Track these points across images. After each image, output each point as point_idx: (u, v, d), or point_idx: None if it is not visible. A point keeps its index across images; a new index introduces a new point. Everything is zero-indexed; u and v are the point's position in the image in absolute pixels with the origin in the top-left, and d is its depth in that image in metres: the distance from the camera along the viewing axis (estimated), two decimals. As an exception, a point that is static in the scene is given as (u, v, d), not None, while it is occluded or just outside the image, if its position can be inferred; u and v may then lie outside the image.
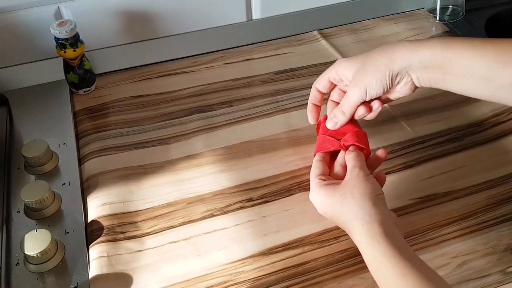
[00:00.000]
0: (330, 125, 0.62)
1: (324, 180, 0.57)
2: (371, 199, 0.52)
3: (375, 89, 0.58)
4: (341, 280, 0.57)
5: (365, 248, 0.50)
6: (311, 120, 0.66)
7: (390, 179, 0.67)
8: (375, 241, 0.49)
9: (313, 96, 0.66)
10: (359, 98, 0.59)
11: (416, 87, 0.59)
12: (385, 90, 0.58)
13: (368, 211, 0.51)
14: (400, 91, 0.59)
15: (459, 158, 0.70)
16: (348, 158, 0.58)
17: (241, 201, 0.65)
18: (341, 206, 0.53)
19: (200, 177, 0.68)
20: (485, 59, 0.52)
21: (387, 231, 0.50)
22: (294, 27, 0.94)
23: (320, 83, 0.64)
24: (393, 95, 0.61)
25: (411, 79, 0.57)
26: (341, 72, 0.61)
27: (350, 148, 0.60)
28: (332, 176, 0.59)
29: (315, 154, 0.62)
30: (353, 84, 0.59)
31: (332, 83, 0.64)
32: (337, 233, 0.61)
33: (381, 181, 0.57)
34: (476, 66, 0.53)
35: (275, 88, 0.82)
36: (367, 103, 0.61)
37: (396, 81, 0.58)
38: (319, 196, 0.56)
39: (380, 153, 0.60)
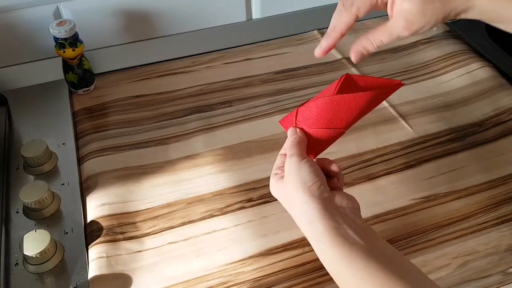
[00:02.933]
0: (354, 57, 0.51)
1: (277, 174, 0.51)
2: (307, 194, 0.46)
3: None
4: (342, 280, 0.57)
5: (315, 248, 0.45)
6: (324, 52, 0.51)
7: (390, 179, 0.67)
8: (320, 242, 0.44)
9: (347, 24, 0.50)
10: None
11: None
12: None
13: (304, 208, 0.45)
14: None
15: (460, 158, 0.70)
16: (285, 146, 0.51)
17: (241, 202, 0.65)
18: (288, 200, 0.48)
19: (200, 177, 0.68)
20: None
21: (331, 226, 0.44)
22: (294, 27, 0.94)
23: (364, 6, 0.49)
24: None
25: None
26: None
27: (290, 132, 0.52)
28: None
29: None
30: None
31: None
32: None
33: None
34: None
35: (275, 88, 0.82)
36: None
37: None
38: (274, 192, 0.51)
39: (334, 167, 0.51)
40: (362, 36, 0.50)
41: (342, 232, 0.43)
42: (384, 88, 0.51)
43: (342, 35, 0.50)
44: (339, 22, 0.49)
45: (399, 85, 0.52)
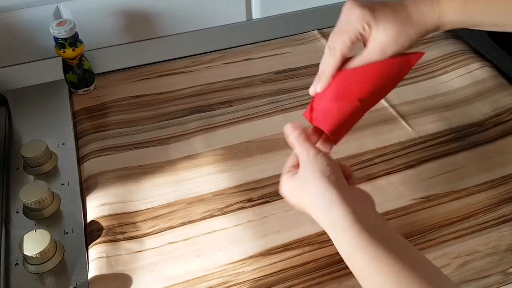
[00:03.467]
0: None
1: (290, 171, 0.51)
2: (325, 182, 0.46)
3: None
4: (341, 281, 0.57)
5: (332, 235, 0.46)
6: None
7: (390, 179, 0.67)
8: (338, 228, 0.45)
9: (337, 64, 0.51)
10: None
11: None
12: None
13: (323, 194, 0.46)
14: None
15: (460, 158, 0.70)
16: (293, 145, 0.51)
17: (241, 202, 0.65)
18: (301, 193, 0.49)
19: (200, 177, 0.68)
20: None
21: (349, 212, 0.45)
22: (294, 27, 0.94)
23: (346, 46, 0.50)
24: None
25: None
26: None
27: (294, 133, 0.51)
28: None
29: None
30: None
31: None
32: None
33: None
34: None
35: (275, 88, 0.82)
36: None
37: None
38: (285, 189, 0.51)
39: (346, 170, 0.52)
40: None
41: (360, 217, 0.44)
42: (399, 59, 0.50)
43: (333, 77, 0.51)
44: (327, 66, 0.51)
45: (419, 55, 0.51)
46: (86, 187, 0.67)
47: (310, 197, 0.48)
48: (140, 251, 0.60)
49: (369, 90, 0.50)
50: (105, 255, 0.59)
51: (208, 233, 0.61)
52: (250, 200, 0.65)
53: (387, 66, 0.50)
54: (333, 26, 0.57)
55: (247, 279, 0.57)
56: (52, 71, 0.81)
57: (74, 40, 0.75)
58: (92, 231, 0.61)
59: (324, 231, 0.60)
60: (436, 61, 0.86)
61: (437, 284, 0.41)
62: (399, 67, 0.51)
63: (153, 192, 0.66)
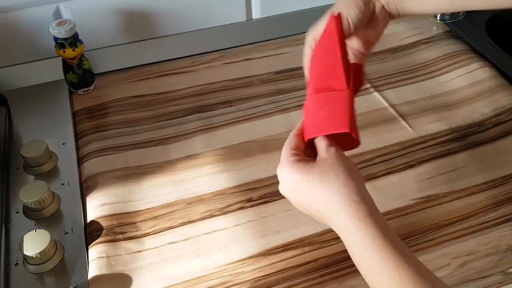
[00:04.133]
0: None
1: (298, 155, 0.49)
2: (357, 179, 0.46)
3: (354, 14, 0.55)
4: (342, 280, 0.57)
5: (352, 231, 0.44)
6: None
7: (390, 179, 0.67)
8: (364, 223, 0.44)
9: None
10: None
11: (389, 17, 0.56)
12: (363, 14, 0.55)
13: (355, 190, 0.45)
14: (376, 22, 0.56)
15: (460, 158, 0.70)
16: (319, 139, 0.49)
17: (241, 202, 0.65)
18: (321, 184, 0.46)
19: (200, 177, 0.68)
20: None
21: (377, 214, 0.45)
22: (294, 27, 0.94)
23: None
24: (372, 32, 0.57)
25: (382, 5, 0.55)
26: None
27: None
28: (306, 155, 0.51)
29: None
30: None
31: None
32: (337, 234, 0.61)
33: None
34: None
35: (275, 88, 0.82)
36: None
37: (371, 6, 0.55)
38: (290, 171, 0.48)
39: None
40: None
41: (384, 220, 0.45)
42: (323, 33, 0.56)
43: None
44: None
45: (335, 18, 0.56)
46: (86, 187, 0.67)
47: (337, 187, 0.45)
48: (140, 251, 0.60)
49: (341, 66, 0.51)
50: (105, 255, 0.59)
51: (208, 233, 0.62)
52: (250, 200, 0.65)
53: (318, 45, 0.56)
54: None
55: (247, 279, 0.57)
56: (52, 71, 0.81)
57: (74, 40, 0.75)
58: (92, 231, 0.61)
59: (324, 231, 0.61)
60: (436, 61, 0.86)
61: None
62: (327, 36, 0.57)
63: (153, 192, 0.66)
